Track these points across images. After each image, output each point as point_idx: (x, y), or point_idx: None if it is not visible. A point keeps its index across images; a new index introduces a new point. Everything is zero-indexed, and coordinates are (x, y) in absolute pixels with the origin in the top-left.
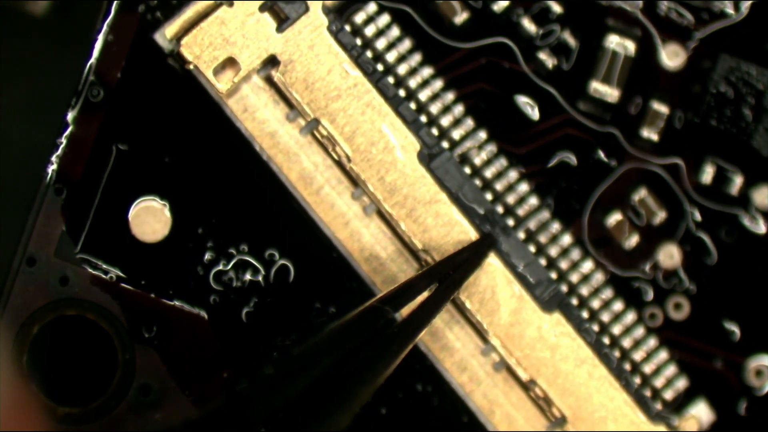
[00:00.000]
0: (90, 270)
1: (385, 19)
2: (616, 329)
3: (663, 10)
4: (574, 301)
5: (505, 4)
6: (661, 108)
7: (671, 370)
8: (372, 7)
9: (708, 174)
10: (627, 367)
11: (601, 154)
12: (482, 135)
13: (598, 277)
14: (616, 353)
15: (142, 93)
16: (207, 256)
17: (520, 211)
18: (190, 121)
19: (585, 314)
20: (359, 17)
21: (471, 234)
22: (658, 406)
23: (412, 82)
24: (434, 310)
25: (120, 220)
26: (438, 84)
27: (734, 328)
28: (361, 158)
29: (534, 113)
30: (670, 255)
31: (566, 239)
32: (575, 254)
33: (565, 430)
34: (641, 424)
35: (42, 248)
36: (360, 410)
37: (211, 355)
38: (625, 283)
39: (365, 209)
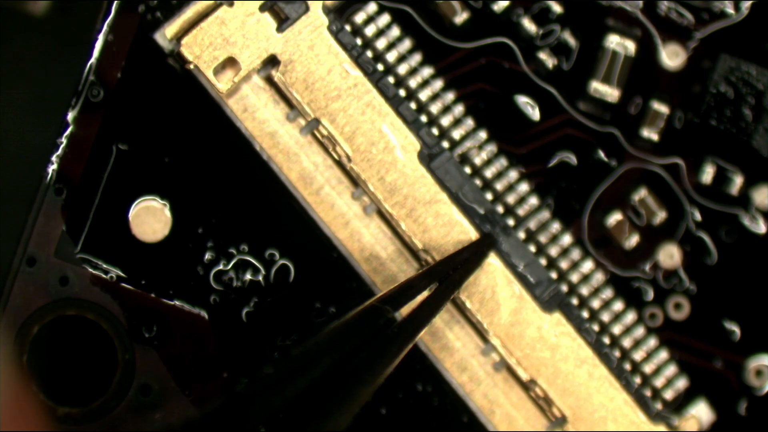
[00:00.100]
0: (90, 270)
1: (385, 19)
2: (616, 329)
3: (663, 10)
4: (575, 301)
5: (505, 4)
6: (661, 108)
7: (671, 370)
8: (372, 7)
9: (708, 174)
10: (627, 367)
11: (601, 154)
12: (482, 135)
13: (598, 277)
14: (617, 353)
15: (142, 93)
16: (207, 256)
17: (520, 211)
18: (190, 121)
19: (585, 314)
20: (359, 17)
21: (471, 234)
22: (658, 406)
23: (413, 82)
24: (434, 310)
25: (120, 220)
26: (438, 84)
27: (734, 328)
28: (361, 158)
29: (534, 113)
30: (670, 255)
31: (566, 239)
32: (575, 254)
33: (565, 430)
34: (641, 424)
35: (42, 248)
36: (360, 410)
37: (211, 355)
38: (625, 283)
39: (365, 209)
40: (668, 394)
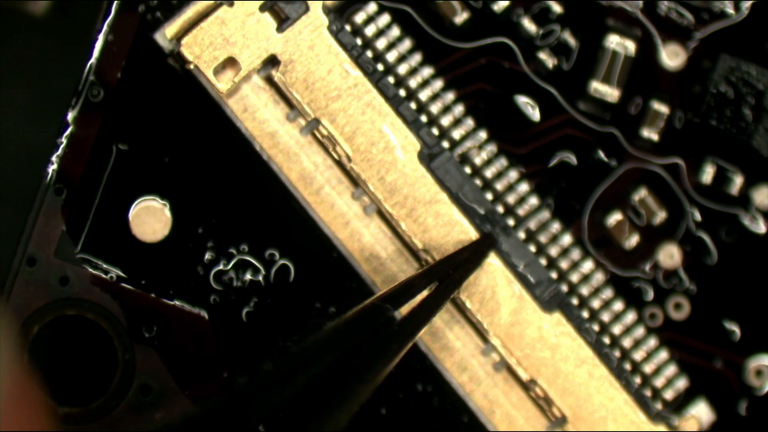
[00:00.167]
0: (90, 270)
1: (385, 19)
2: (617, 329)
3: (663, 10)
4: (575, 301)
5: (505, 4)
6: (661, 108)
7: (671, 370)
8: (372, 7)
9: (708, 174)
10: (627, 367)
11: (601, 154)
12: (482, 135)
13: (598, 277)
14: (617, 353)
15: (142, 93)
16: (207, 256)
17: (520, 211)
18: (190, 121)
19: (585, 314)
20: (359, 17)
21: (471, 234)
22: (659, 406)
23: (413, 82)
24: (434, 309)
25: (120, 220)
26: (438, 84)
27: (734, 328)
28: (361, 158)
29: (534, 113)
30: (670, 255)
31: (566, 239)
32: (575, 254)
33: (565, 430)
34: (641, 424)
35: (42, 248)
36: (360, 409)
37: (211, 355)
38: (625, 283)
39: (365, 209)
40: (668, 394)
